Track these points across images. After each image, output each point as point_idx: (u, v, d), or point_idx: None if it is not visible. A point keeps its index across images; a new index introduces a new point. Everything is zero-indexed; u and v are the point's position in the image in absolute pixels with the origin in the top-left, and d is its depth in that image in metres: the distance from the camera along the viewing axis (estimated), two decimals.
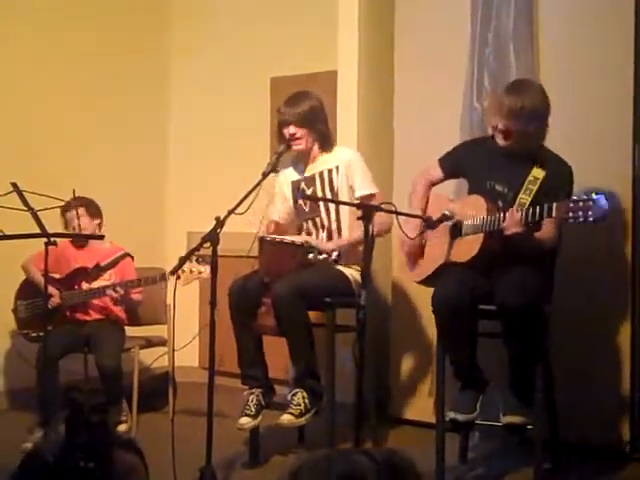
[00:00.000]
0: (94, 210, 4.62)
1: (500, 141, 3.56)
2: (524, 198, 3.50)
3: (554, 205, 3.25)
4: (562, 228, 3.62)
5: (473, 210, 3.55)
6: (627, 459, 3.89)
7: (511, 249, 3.44)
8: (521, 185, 3.52)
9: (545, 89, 3.67)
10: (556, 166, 3.55)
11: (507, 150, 3.58)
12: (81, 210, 4.54)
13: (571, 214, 3.18)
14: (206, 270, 3.45)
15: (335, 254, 3.94)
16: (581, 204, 3.16)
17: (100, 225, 4.64)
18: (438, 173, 3.83)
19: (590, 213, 3.14)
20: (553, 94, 4.07)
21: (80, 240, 4.63)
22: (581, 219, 3.16)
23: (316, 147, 4.02)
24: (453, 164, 3.79)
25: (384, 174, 4.45)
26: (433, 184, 3.85)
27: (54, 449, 1.27)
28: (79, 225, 4.50)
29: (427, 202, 3.83)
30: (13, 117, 5.04)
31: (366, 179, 3.98)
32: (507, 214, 3.40)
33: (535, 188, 3.50)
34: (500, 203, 3.56)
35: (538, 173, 3.53)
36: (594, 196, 3.15)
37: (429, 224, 3.64)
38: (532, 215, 3.34)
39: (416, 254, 3.81)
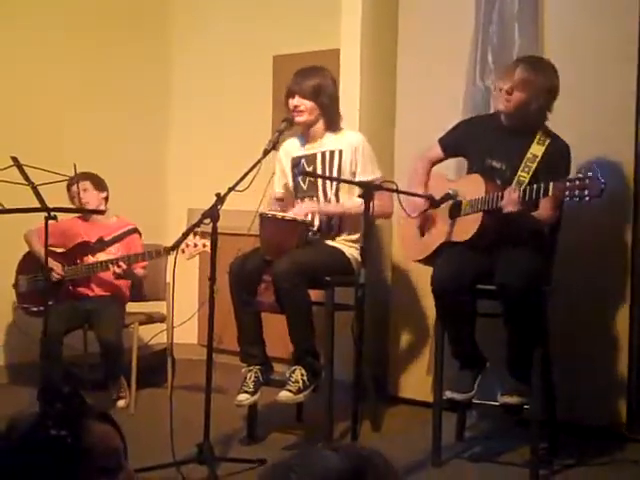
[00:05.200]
0: (99, 183, 4.63)
1: (501, 105, 3.56)
2: (523, 176, 3.50)
3: (550, 184, 3.25)
4: (563, 209, 3.63)
5: (472, 189, 3.55)
6: (624, 440, 3.90)
7: (509, 228, 3.45)
8: (520, 162, 3.53)
9: None
10: (554, 144, 3.55)
11: (507, 121, 3.59)
12: (87, 184, 4.56)
13: (567, 193, 3.20)
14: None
15: (335, 221, 3.93)
16: (577, 183, 3.17)
17: (106, 198, 4.65)
18: (438, 152, 3.84)
19: (586, 192, 3.15)
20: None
21: (86, 214, 4.64)
22: (577, 198, 3.17)
23: (321, 124, 3.97)
24: (453, 143, 3.79)
25: (385, 153, 4.43)
26: (434, 163, 3.86)
27: (29, 420, 1.27)
28: (81, 199, 4.51)
29: (427, 182, 3.83)
30: (14, 92, 5.02)
31: (369, 165, 3.94)
32: (505, 193, 3.40)
33: (534, 166, 3.51)
34: (498, 180, 3.56)
35: (537, 150, 3.53)
36: (589, 174, 3.16)
37: (433, 203, 3.64)
38: (529, 194, 3.34)
39: (417, 233, 3.82)
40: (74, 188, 4.52)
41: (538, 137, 3.55)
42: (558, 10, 4.11)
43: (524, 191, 3.36)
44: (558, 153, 3.54)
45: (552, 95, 3.54)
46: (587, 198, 3.16)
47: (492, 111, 3.89)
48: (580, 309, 3.99)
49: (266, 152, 3.68)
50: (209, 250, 3.44)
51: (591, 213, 3.91)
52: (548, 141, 3.54)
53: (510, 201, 3.38)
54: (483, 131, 3.69)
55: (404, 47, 4.59)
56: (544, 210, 3.48)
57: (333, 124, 3.98)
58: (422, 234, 3.81)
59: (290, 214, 3.86)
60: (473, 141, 3.71)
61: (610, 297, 3.99)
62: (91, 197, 4.58)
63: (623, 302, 3.96)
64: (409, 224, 3.85)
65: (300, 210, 3.91)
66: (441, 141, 3.82)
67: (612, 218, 3.96)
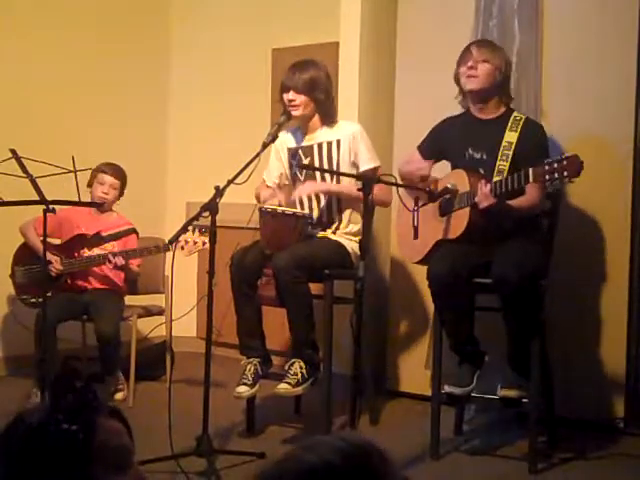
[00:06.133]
0: (122, 192, 4.64)
1: (470, 84, 3.60)
2: (502, 165, 3.51)
3: (530, 170, 3.24)
4: (560, 200, 3.63)
5: (458, 185, 3.55)
6: (621, 434, 3.91)
7: (496, 221, 3.44)
8: (497, 150, 3.53)
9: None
10: (526, 128, 3.57)
11: (477, 99, 3.62)
12: (117, 183, 4.57)
13: (547, 177, 3.17)
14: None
15: (335, 212, 3.93)
16: (555, 165, 3.15)
17: (119, 195, 4.66)
18: (419, 159, 3.84)
19: (565, 173, 3.13)
20: (557, 69, 4.07)
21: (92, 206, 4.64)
22: (557, 180, 3.15)
23: (316, 118, 3.96)
24: (431, 147, 3.82)
25: (384, 146, 4.44)
26: (418, 169, 3.87)
27: (39, 413, 1.26)
28: (104, 191, 4.54)
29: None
30: (13, 86, 5.01)
31: (369, 153, 3.95)
32: (477, 188, 3.39)
33: (511, 153, 3.52)
34: (482, 170, 3.56)
35: (511, 137, 3.55)
36: (566, 154, 3.17)
37: (431, 196, 3.63)
38: (511, 183, 3.33)
39: (412, 235, 3.82)
40: (104, 176, 4.53)
41: (510, 124, 3.57)
42: (558, 4, 4.10)
43: (500, 183, 3.36)
44: (532, 136, 3.56)
45: (510, 69, 3.66)
46: (567, 179, 3.15)
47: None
48: (578, 302, 3.99)
49: (265, 145, 3.68)
50: (208, 248, 3.44)
51: (589, 203, 3.93)
52: (520, 126, 3.56)
53: (483, 196, 3.38)
54: (457, 128, 3.72)
55: (403, 39, 4.58)
56: (530, 196, 3.48)
57: (328, 117, 3.98)
58: (416, 236, 3.81)
59: (290, 209, 3.85)
60: (450, 140, 3.73)
61: (607, 291, 3.98)
62: (110, 196, 4.59)
63: (621, 295, 3.95)
64: (404, 227, 3.85)
65: (303, 190, 3.92)
66: (419, 148, 3.86)
67: (611, 209, 3.96)
